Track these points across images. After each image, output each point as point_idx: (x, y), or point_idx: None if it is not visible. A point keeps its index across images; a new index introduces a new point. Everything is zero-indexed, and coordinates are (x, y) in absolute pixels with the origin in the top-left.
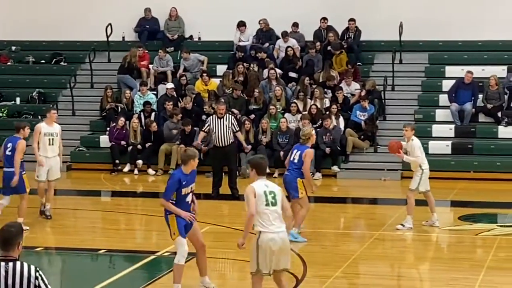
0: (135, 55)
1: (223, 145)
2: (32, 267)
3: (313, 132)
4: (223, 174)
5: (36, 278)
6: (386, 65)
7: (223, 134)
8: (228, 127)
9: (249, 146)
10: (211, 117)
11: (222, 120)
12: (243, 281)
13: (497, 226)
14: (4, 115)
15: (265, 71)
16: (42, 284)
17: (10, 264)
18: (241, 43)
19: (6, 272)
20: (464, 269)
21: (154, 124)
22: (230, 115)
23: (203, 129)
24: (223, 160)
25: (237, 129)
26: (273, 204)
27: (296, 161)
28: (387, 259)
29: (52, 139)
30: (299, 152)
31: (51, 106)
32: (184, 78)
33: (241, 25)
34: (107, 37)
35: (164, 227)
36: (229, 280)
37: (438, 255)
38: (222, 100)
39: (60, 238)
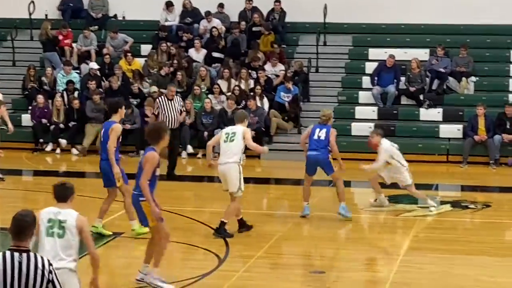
0: (46, 27)
1: (174, 126)
2: (45, 260)
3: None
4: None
5: (50, 272)
6: (311, 47)
7: (174, 116)
8: (178, 108)
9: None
10: (159, 99)
11: (172, 102)
12: None
13: (418, 207)
14: None
15: (191, 51)
16: (55, 279)
17: (24, 255)
18: (167, 23)
19: (20, 263)
20: (384, 249)
21: (77, 101)
22: (178, 97)
23: (153, 112)
24: (173, 141)
25: (183, 110)
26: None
27: (323, 139)
28: (309, 239)
29: None
30: (324, 130)
31: None
32: (108, 57)
33: (170, 5)
34: (30, 14)
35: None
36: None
37: (359, 236)
38: (173, 83)
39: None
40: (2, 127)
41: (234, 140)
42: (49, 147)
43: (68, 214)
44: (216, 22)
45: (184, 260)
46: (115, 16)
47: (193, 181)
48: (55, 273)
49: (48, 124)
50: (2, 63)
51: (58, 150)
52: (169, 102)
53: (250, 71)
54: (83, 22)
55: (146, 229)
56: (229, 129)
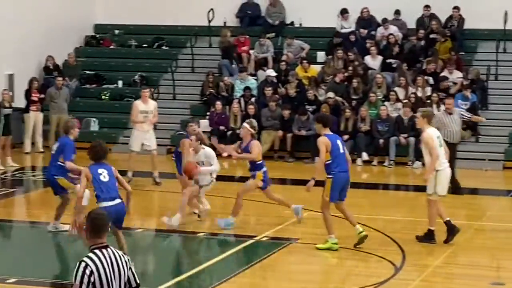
0: (225, 34)
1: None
2: (117, 250)
3: None
4: None
5: (128, 260)
6: (490, 54)
7: (454, 130)
8: (459, 122)
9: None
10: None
11: (451, 116)
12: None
13: None
14: (107, 97)
15: (367, 58)
16: (132, 268)
17: (109, 250)
18: (343, 30)
19: (110, 257)
20: None
21: (252, 106)
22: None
23: None
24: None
25: None
26: None
27: None
28: (487, 250)
29: (147, 117)
30: None
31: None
32: (284, 63)
33: (344, 12)
34: (209, 22)
35: (263, 212)
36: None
37: None
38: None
39: (158, 220)
40: (181, 132)
41: (442, 145)
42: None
43: None
44: (393, 29)
45: (359, 267)
46: (292, 23)
47: (367, 188)
48: (130, 262)
49: (225, 130)
50: (181, 69)
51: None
52: (449, 116)
53: (426, 78)
54: (260, 29)
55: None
56: (436, 132)
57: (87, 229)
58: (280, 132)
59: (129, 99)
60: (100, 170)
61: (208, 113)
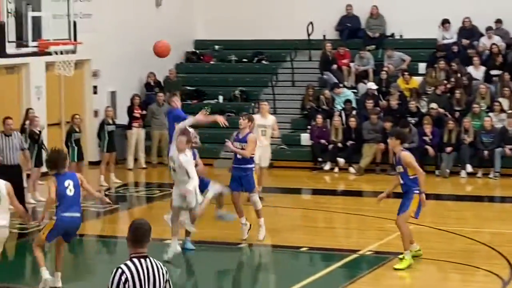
0: (326, 47)
1: None
2: (159, 262)
3: None
4: None
5: (166, 272)
6: None
7: None
8: None
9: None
10: None
11: None
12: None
13: None
14: (208, 113)
15: (469, 69)
16: (170, 281)
17: (147, 260)
18: (444, 41)
19: (147, 268)
20: None
21: (353, 119)
22: None
23: None
24: None
25: None
26: None
27: None
28: None
29: (264, 131)
30: None
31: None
32: (385, 74)
33: (445, 22)
34: (308, 35)
35: (365, 225)
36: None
37: None
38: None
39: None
40: (282, 147)
41: None
42: (327, 166)
43: None
44: (496, 39)
45: (465, 281)
46: (392, 35)
47: (472, 201)
48: (168, 274)
49: (326, 144)
50: (282, 83)
51: (336, 169)
52: None
53: None
54: (360, 42)
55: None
56: None
57: (128, 237)
58: (382, 145)
59: (230, 114)
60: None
61: (309, 127)
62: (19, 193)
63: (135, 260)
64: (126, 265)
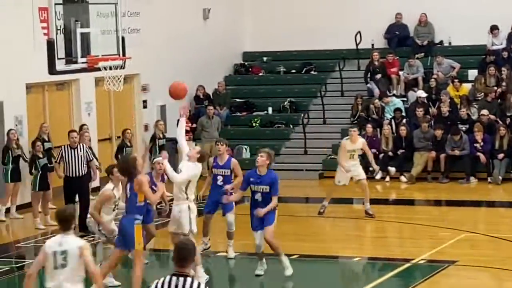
0: (374, 56)
1: None
2: (202, 286)
3: None
4: None
5: None
6: None
7: None
8: None
9: None
10: None
11: None
12: None
13: None
14: (258, 125)
15: None
16: None
17: (181, 278)
18: (494, 47)
19: (176, 286)
20: None
21: (403, 127)
22: None
23: None
24: None
25: None
26: None
27: None
28: None
29: (353, 154)
30: None
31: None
32: (434, 81)
33: (494, 28)
34: (357, 45)
35: (418, 234)
36: None
37: None
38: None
39: (314, 245)
40: (333, 157)
41: None
42: (378, 175)
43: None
44: None
45: None
46: (441, 42)
47: None
48: None
49: (377, 153)
50: (331, 93)
51: (387, 178)
52: None
53: None
54: (409, 50)
55: None
56: None
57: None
58: (433, 153)
59: (280, 125)
60: None
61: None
62: (85, 204)
63: (168, 276)
64: (160, 278)
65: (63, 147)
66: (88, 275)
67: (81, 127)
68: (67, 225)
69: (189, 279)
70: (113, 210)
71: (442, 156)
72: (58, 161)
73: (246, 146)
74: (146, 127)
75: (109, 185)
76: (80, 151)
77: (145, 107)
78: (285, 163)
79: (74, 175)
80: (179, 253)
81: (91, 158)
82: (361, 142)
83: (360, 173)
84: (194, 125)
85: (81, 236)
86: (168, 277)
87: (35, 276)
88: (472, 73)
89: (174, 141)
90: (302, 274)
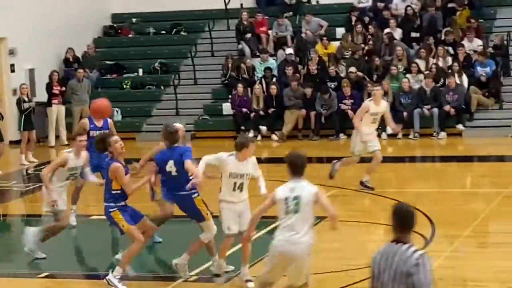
0: (242, 16)
1: None
2: (415, 252)
3: None
4: None
5: (419, 257)
6: (509, 20)
7: None
8: None
9: None
10: None
11: None
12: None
13: None
14: (128, 87)
15: (386, 31)
16: (424, 264)
17: (396, 245)
18: (360, 5)
19: (390, 251)
20: None
21: (274, 86)
22: None
23: None
24: None
25: None
26: None
27: None
28: None
29: (375, 118)
30: None
31: None
32: (303, 41)
33: None
34: (226, 5)
35: None
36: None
37: None
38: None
39: None
40: (204, 117)
41: None
42: (250, 134)
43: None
44: (410, 0)
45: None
46: (309, 1)
47: (394, 162)
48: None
49: (248, 112)
50: (201, 54)
51: (259, 137)
52: None
53: (447, 48)
54: (278, 9)
55: None
56: None
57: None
58: (303, 111)
59: (150, 87)
60: None
61: (230, 96)
62: None
63: (387, 244)
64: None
65: None
66: None
67: None
68: (299, 171)
69: (405, 246)
70: (67, 179)
71: (312, 114)
72: None
73: (117, 109)
74: (14, 91)
75: (69, 150)
76: None
77: (13, 71)
78: (157, 124)
79: None
80: (399, 219)
81: None
82: (384, 105)
83: (377, 144)
84: (64, 88)
85: None
86: (386, 244)
87: None
88: (340, 31)
89: (43, 105)
90: None
